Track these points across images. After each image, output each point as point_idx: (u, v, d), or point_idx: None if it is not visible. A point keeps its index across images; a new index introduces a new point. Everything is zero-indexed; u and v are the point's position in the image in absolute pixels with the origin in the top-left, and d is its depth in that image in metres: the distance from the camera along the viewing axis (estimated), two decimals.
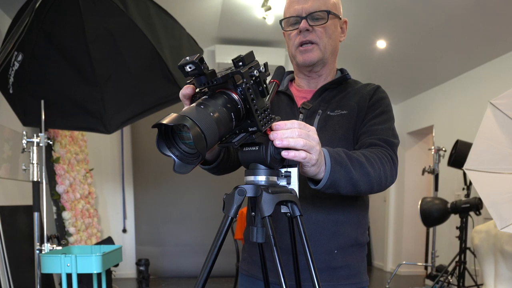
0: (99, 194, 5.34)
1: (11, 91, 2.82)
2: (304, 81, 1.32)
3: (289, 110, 1.28)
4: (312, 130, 0.91)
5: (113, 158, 5.52)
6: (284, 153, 0.87)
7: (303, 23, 1.21)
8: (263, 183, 0.90)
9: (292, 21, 1.24)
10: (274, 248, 0.85)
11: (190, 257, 5.42)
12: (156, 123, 0.75)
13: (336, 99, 1.27)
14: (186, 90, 0.90)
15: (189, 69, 0.80)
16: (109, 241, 4.46)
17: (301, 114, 1.25)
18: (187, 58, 0.80)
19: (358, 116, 1.23)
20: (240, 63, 0.83)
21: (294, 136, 0.88)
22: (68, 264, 2.14)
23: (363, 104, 1.25)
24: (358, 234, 1.24)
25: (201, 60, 0.80)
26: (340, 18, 1.29)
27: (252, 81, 0.84)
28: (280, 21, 1.27)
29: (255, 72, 0.84)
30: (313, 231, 1.18)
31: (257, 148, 0.89)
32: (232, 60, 0.84)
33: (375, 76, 5.79)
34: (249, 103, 0.84)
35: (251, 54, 0.85)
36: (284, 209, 0.94)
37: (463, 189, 4.07)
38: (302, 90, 1.33)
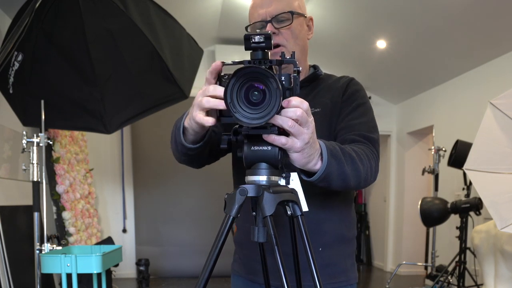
0: (99, 194, 5.34)
1: (11, 91, 2.81)
2: None
3: None
4: (312, 119, 0.89)
5: (113, 158, 5.52)
6: (264, 136, 0.86)
7: (269, 27, 1.20)
8: (264, 183, 0.90)
9: (257, 26, 1.22)
10: (276, 247, 0.85)
11: (190, 257, 5.41)
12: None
13: (309, 98, 1.23)
14: (217, 64, 0.92)
15: (257, 39, 0.82)
16: (109, 241, 4.45)
17: None
18: (257, 30, 0.83)
19: (332, 113, 1.22)
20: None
21: (293, 116, 0.84)
22: (68, 264, 2.13)
23: (337, 99, 1.24)
24: (344, 229, 1.24)
25: (270, 36, 0.83)
26: (305, 16, 1.27)
27: (296, 75, 0.88)
28: (246, 28, 1.25)
29: (298, 68, 0.89)
30: (323, 238, 1.19)
31: (269, 148, 0.89)
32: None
33: (375, 76, 5.79)
34: (284, 92, 0.86)
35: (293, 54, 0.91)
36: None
37: (463, 189, 4.08)
38: None
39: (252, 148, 0.88)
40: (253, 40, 0.82)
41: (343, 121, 1.21)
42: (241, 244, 1.34)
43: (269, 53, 0.91)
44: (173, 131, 1.08)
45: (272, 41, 0.84)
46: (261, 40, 0.83)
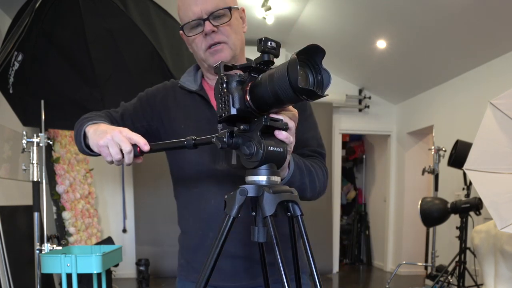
0: (99, 194, 5.34)
1: (11, 91, 2.82)
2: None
3: (209, 115, 1.22)
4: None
5: None
6: (277, 132, 0.91)
7: (208, 26, 1.15)
8: (264, 183, 0.90)
9: (193, 24, 1.17)
10: (276, 247, 0.85)
11: None
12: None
13: None
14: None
15: (269, 44, 0.86)
16: (109, 241, 4.45)
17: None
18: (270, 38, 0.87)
19: None
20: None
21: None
22: (68, 264, 2.13)
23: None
24: None
25: (280, 45, 0.88)
26: (238, 9, 1.23)
27: None
28: (181, 27, 1.20)
29: None
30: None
31: (281, 150, 0.91)
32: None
33: (375, 76, 5.79)
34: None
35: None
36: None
37: (463, 189, 4.07)
38: None
39: (269, 148, 0.89)
40: (267, 44, 0.86)
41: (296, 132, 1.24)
42: (196, 250, 1.25)
43: (214, 48, 1.16)
44: (76, 130, 1.13)
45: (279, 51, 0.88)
46: (274, 46, 0.87)
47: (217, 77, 1.18)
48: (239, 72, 0.90)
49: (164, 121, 1.27)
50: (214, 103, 1.21)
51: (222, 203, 1.14)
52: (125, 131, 1.00)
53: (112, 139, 0.98)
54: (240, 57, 1.25)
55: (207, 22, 1.15)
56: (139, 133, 1.03)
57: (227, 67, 0.90)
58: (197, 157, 1.20)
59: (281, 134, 0.91)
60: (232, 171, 1.15)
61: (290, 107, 0.94)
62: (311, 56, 0.82)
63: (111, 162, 1.01)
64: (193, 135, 0.99)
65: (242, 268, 1.20)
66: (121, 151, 0.98)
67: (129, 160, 0.99)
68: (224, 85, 0.88)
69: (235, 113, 0.87)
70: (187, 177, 1.25)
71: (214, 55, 1.18)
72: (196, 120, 1.24)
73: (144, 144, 0.99)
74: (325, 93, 0.83)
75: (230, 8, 1.17)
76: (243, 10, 1.25)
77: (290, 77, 0.79)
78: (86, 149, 1.09)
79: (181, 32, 1.24)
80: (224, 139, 0.88)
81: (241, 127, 0.90)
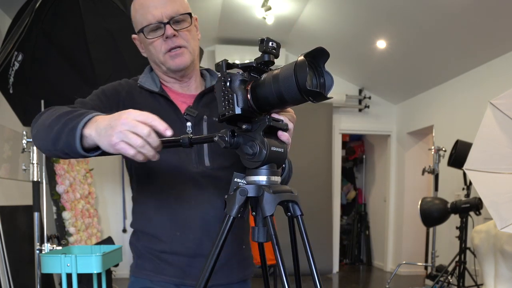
0: (99, 194, 5.33)
1: (11, 91, 2.81)
2: (175, 85, 1.27)
3: (175, 117, 1.20)
4: None
5: (113, 158, 5.51)
6: (280, 133, 0.94)
7: (169, 29, 1.16)
8: (264, 183, 0.90)
9: (153, 28, 1.17)
10: (276, 247, 0.85)
11: None
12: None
13: (215, 103, 1.20)
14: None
15: (271, 45, 0.87)
16: (109, 241, 4.45)
17: (188, 122, 1.20)
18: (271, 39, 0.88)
19: None
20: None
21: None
22: (68, 264, 2.13)
23: None
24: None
25: (280, 46, 0.90)
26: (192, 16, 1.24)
27: None
28: (141, 30, 1.19)
29: None
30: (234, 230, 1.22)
31: (282, 150, 0.91)
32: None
33: (375, 76, 5.79)
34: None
35: None
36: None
37: (463, 189, 4.07)
38: (181, 94, 1.27)
39: (272, 148, 0.89)
40: (269, 43, 0.87)
41: None
42: (173, 252, 1.19)
43: (175, 52, 1.17)
44: (57, 131, 0.94)
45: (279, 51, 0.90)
46: (275, 46, 0.88)
47: (175, 79, 1.23)
48: (240, 71, 0.90)
49: None
50: (179, 104, 1.22)
51: (203, 205, 1.16)
52: (133, 113, 0.87)
53: (123, 130, 0.84)
54: (197, 65, 1.28)
55: (168, 26, 1.16)
56: None
57: (229, 66, 0.90)
58: (170, 158, 1.16)
59: (284, 136, 0.93)
60: (207, 172, 1.17)
61: (289, 108, 0.95)
62: (315, 58, 0.82)
63: (136, 156, 0.86)
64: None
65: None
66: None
67: (156, 142, 0.86)
68: (228, 84, 0.88)
69: (240, 113, 0.87)
70: (159, 179, 1.20)
71: (174, 58, 1.19)
72: (165, 121, 1.20)
73: (165, 129, 0.87)
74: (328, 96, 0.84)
75: (190, 14, 1.20)
76: (196, 19, 1.27)
77: (298, 78, 0.79)
78: (84, 152, 0.93)
79: (134, 36, 1.25)
80: (226, 138, 0.88)
81: (243, 126, 0.89)
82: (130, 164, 1.24)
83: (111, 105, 1.18)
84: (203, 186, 1.17)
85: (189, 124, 1.20)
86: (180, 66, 1.20)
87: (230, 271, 1.23)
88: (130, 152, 0.85)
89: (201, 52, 3.17)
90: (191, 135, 0.96)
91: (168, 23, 1.16)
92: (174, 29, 1.16)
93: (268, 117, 0.89)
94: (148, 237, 1.22)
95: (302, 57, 0.80)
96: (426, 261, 5.20)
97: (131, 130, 0.84)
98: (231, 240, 1.18)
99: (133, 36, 1.27)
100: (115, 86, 1.25)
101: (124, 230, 5.58)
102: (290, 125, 0.96)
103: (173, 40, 1.17)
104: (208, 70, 1.34)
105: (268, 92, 0.84)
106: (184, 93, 1.27)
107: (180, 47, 1.18)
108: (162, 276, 1.20)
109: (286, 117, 0.96)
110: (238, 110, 0.87)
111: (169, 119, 1.13)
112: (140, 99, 1.23)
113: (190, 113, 1.20)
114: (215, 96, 1.20)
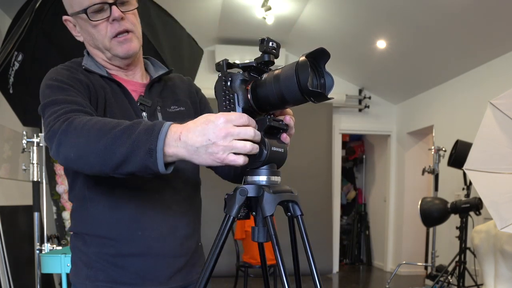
0: None
1: (11, 91, 2.81)
2: (119, 73, 1.16)
3: (128, 106, 1.10)
4: None
5: None
6: (284, 136, 0.94)
7: (116, 11, 1.05)
8: (264, 183, 0.90)
9: (96, 8, 1.05)
10: (276, 247, 0.85)
11: None
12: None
13: (165, 94, 1.18)
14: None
15: (271, 45, 0.87)
16: None
17: (143, 113, 1.12)
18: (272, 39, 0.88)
19: (195, 113, 1.21)
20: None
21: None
22: (68, 264, 2.13)
23: (194, 100, 1.25)
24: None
25: (280, 46, 0.89)
26: None
27: None
28: (84, 11, 1.06)
29: None
30: (193, 231, 1.18)
31: (282, 150, 0.91)
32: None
33: (375, 76, 5.79)
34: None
35: None
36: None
37: (463, 189, 4.07)
38: (129, 81, 1.16)
39: (273, 148, 0.89)
40: (269, 43, 0.86)
41: None
42: (141, 255, 1.06)
43: (123, 37, 1.06)
44: (123, 155, 0.83)
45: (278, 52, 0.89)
46: (275, 47, 0.87)
47: (119, 67, 1.13)
48: (240, 71, 0.90)
49: (99, 106, 1.07)
50: (132, 92, 1.12)
51: (167, 199, 1.09)
52: (226, 119, 0.79)
53: (229, 144, 0.78)
54: (141, 52, 1.19)
55: (114, 7, 1.06)
56: None
57: (229, 65, 0.90)
58: None
59: (286, 138, 0.94)
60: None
61: (288, 109, 0.95)
62: (316, 59, 0.83)
63: (245, 159, 0.82)
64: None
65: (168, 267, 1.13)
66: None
67: (258, 135, 0.83)
68: (229, 83, 0.88)
69: (241, 112, 0.87)
70: (112, 179, 0.98)
71: (123, 44, 1.09)
72: (121, 109, 1.09)
73: (254, 135, 0.82)
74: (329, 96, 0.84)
75: None
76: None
77: (300, 79, 0.79)
78: (165, 169, 0.83)
79: (66, 17, 1.13)
80: None
81: None
82: None
83: (86, 91, 1.06)
84: (165, 178, 1.00)
85: (144, 114, 1.11)
86: (129, 53, 1.10)
87: (190, 270, 1.15)
88: (240, 161, 0.80)
89: (201, 52, 3.17)
90: None
91: (114, 3, 1.06)
92: (121, 11, 1.07)
93: (269, 117, 0.89)
94: (99, 240, 1.06)
95: (303, 58, 0.80)
96: (426, 261, 5.20)
97: (236, 139, 0.79)
98: (194, 237, 1.17)
99: (65, 17, 1.14)
100: (69, 70, 1.12)
101: None
102: (291, 124, 0.95)
103: (120, 23, 1.07)
104: (148, 58, 1.26)
105: (268, 92, 0.85)
106: (131, 80, 1.17)
107: (128, 31, 1.09)
108: (117, 286, 1.05)
109: (286, 116, 0.96)
110: (239, 110, 0.87)
111: (122, 107, 1.10)
112: (94, 81, 1.09)
113: (144, 102, 1.12)
114: (165, 86, 1.19)
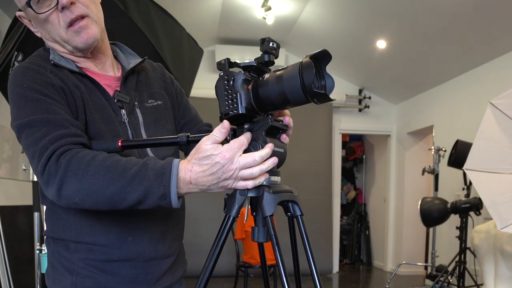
0: None
1: None
2: (88, 63, 1.05)
3: (105, 102, 1.02)
4: None
5: None
6: (283, 137, 0.97)
7: None
8: (264, 183, 0.90)
9: None
10: (276, 247, 0.85)
11: (191, 257, 5.40)
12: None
13: (140, 86, 1.12)
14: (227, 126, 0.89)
15: (272, 45, 0.88)
16: None
17: (122, 110, 1.05)
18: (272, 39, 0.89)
19: (173, 105, 1.18)
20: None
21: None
22: None
23: (170, 91, 1.19)
24: None
25: (280, 46, 0.90)
26: None
27: None
28: (27, 3, 0.95)
29: None
30: (180, 231, 1.19)
31: (282, 151, 0.92)
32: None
33: (375, 76, 5.79)
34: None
35: None
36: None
37: (463, 189, 4.08)
38: (101, 75, 1.06)
39: (275, 149, 0.89)
40: (270, 44, 0.87)
41: (187, 114, 1.22)
42: (131, 259, 1.02)
43: (78, 25, 0.96)
44: (135, 201, 0.84)
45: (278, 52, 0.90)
46: (275, 47, 0.89)
47: (85, 58, 1.04)
48: (241, 70, 0.90)
49: (78, 109, 0.98)
50: (106, 87, 1.05)
51: (160, 211, 1.06)
52: (232, 155, 0.83)
53: (238, 176, 0.84)
54: (106, 36, 1.09)
55: None
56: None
57: (230, 65, 0.90)
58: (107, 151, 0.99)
59: (286, 139, 0.95)
60: None
61: (286, 110, 0.95)
62: (317, 60, 0.83)
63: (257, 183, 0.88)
64: (101, 127, 0.97)
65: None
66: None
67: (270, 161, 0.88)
68: (231, 83, 0.88)
69: (244, 112, 0.87)
70: None
71: (79, 33, 0.97)
72: (99, 109, 1.01)
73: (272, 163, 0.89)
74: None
75: None
76: None
77: (304, 80, 0.80)
78: (178, 205, 0.87)
79: (19, 13, 1.02)
80: (228, 138, 0.88)
81: (246, 126, 0.89)
82: None
83: (62, 97, 0.96)
84: None
85: (123, 111, 1.04)
86: (89, 42, 0.99)
87: (176, 270, 1.15)
88: (250, 185, 0.86)
89: (201, 52, 3.17)
90: (188, 133, 0.96)
91: None
92: None
93: (271, 117, 0.89)
94: (86, 246, 1.00)
95: (307, 59, 0.80)
96: (426, 261, 5.20)
97: (243, 168, 0.84)
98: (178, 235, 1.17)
99: (18, 13, 1.02)
100: (43, 77, 0.96)
101: None
102: (291, 124, 0.96)
103: (71, 9, 0.95)
104: (115, 44, 1.18)
105: (271, 92, 0.85)
106: (103, 74, 1.07)
107: (82, 17, 0.97)
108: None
109: (286, 117, 0.96)
110: (242, 110, 0.87)
111: (99, 106, 1.01)
112: (66, 80, 0.98)
113: (121, 98, 1.05)
114: (139, 78, 1.13)
